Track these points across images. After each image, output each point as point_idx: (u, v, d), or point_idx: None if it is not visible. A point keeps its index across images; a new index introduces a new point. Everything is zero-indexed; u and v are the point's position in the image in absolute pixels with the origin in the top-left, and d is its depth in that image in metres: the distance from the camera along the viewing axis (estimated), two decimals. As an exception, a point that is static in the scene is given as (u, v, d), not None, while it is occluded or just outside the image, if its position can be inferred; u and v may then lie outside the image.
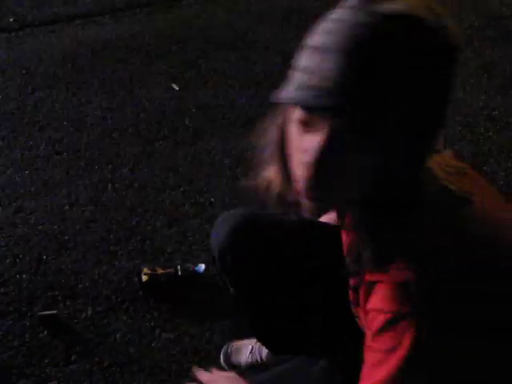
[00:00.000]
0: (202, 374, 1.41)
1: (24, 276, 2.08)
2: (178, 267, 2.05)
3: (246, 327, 1.61)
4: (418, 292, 0.92)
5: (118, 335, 1.90)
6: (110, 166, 2.54)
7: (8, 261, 2.13)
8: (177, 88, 3.03)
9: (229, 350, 1.83)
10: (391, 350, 0.94)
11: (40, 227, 2.26)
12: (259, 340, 1.64)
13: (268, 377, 1.42)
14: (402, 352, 0.92)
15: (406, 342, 0.92)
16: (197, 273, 2.05)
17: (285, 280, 1.37)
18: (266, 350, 1.74)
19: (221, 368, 1.77)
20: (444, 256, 0.94)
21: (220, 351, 1.83)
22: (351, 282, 1.08)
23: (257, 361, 1.78)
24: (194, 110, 2.86)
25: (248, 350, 1.79)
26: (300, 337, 1.44)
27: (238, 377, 1.36)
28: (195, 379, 1.41)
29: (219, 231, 1.42)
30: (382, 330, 0.95)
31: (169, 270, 2.04)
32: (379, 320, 0.96)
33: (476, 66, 3.21)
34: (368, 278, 0.99)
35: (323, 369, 1.38)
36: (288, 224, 1.47)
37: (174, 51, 3.32)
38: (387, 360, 0.94)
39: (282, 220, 1.49)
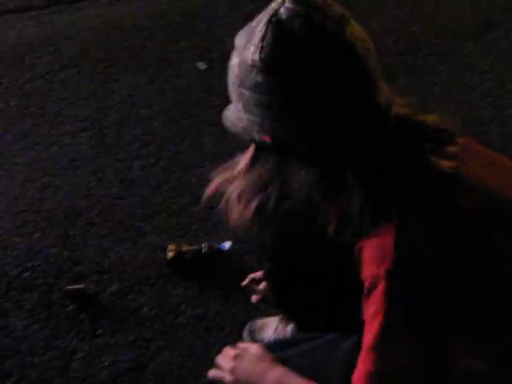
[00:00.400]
0: (228, 351, 1.42)
1: (51, 250, 2.10)
2: (203, 245, 2.05)
3: (273, 302, 1.61)
4: (394, 253, 0.95)
5: (143, 310, 1.92)
6: (136, 144, 2.55)
7: (36, 235, 2.16)
8: (204, 67, 3.02)
9: (253, 327, 1.83)
10: (373, 317, 0.97)
11: (67, 203, 2.28)
12: (287, 314, 1.64)
13: (294, 353, 1.42)
14: (380, 317, 0.96)
15: (382, 306, 0.95)
16: (221, 250, 2.06)
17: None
18: (291, 328, 1.74)
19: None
20: (422, 228, 0.98)
21: (244, 328, 1.84)
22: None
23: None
24: (221, 89, 2.84)
25: (273, 327, 1.79)
26: (326, 314, 1.44)
27: (265, 352, 1.36)
28: (223, 356, 1.42)
29: None
30: (366, 297, 0.99)
31: (194, 247, 2.05)
32: (364, 288, 1.00)
33: (506, 46, 3.16)
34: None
35: (348, 348, 1.38)
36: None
37: (200, 29, 3.31)
38: (371, 327, 0.98)
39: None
